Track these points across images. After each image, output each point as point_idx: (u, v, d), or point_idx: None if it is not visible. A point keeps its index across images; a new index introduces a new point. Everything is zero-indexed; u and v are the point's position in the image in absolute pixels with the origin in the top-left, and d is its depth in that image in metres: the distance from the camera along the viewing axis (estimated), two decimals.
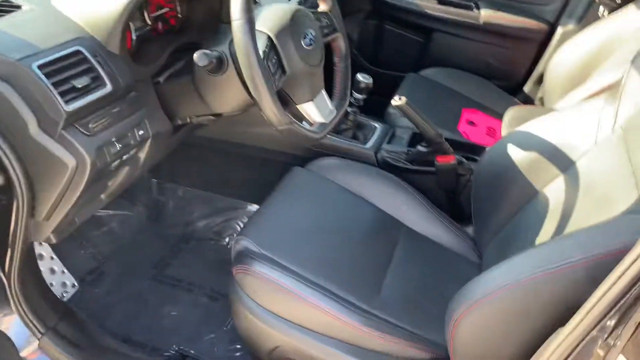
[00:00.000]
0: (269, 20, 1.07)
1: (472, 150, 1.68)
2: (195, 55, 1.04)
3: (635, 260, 0.67)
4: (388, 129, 1.75)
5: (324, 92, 1.21)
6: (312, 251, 1.29)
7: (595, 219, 0.99)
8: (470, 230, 1.53)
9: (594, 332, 0.75)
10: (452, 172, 1.51)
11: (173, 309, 1.51)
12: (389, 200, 1.51)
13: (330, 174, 1.53)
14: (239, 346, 1.43)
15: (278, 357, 1.21)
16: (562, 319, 0.87)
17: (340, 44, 1.29)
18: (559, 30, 2.17)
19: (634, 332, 0.71)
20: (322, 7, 1.26)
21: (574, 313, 0.86)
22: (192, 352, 1.42)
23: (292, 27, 1.09)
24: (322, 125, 1.18)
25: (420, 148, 1.55)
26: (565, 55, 2.01)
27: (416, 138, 1.70)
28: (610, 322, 0.74)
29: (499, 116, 2.05)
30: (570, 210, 1.12)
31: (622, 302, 0.71)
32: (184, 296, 1.55)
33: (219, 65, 1.09)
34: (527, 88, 2.33)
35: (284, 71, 1.08)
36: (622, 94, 1.19)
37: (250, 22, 0.96)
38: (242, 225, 1.78)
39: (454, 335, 1.00)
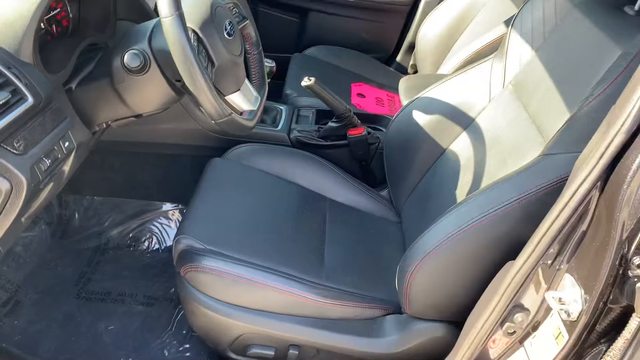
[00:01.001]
0: (191, 14, 1.05)
1: (373, 120, 1.79)
2: (126, 58, 1.00)
3: (573, 194, 0.80)
4: (292, 109, 1.80)
5: (247, 80, 1.22)
6: (252, 238, 1.31)
7: (512, 165, 1.15)
8: (385, 193, 1.65)
9: (542, 261, 0.88)
10: (363, 143, 1.61)
11: (109, 323, 1.44)
12: (309, 177, 1.57)
13: (250, 160, 1.55)
14: (188, 346, 1.41)
15: (241, 345, 1.22)
16: (508, 255, 1.01)
17: (251, 31, 1.31)
18: (422, 1, 2.36)
19: (575, 251, 0.86)
20: None
21: (518, 247, 1.00)
22: None
23: (214, 19, 1.09)
24: (252, 112, 1.20)
25: (331, 124, 1.62)
26: (431, 24, 2.21)
27: (321, 115, 1.78)
28: (554, 249, 0.88)
29: (382, 86, 2.21)
30: (482, 161, 1.28)
31: (564, 230, 0.85)
32: (117, 308, 1.48)
33: (142, 63, 1.06)
34: (399, 57, 2.51)
35: (213, 64, 1.07)
36: (506, 54, 1.36)
37: (181, 17, 0.95)
38: (159, 227, 1.73)
39: (410, 287, 1.10)
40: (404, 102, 1.77)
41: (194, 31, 1.05)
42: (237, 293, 1.19)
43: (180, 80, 1.03)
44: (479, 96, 1.40)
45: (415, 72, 2.41)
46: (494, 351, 1.02)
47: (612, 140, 0.75)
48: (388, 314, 1.24)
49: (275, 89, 1.96)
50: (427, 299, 1.12)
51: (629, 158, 0.73)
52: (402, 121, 1.54)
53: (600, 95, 0.94)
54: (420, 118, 1.49)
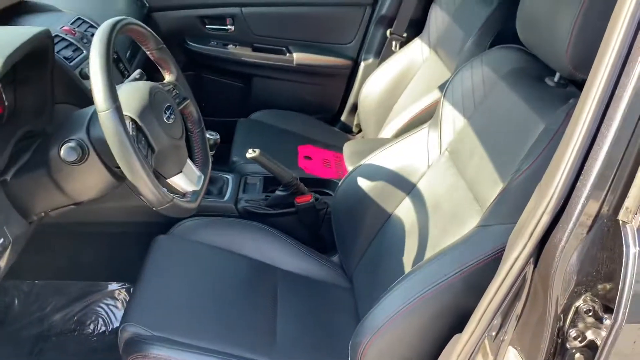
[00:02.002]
0: (129, 102, 1.06)
1: (321, 185, 1.82)
2: (63, 151, 0.99)
3: (509, 270, 0.83)
4: (239, 177, 1.80)
5: (189, 161, 1.22)
6: (201, 319, 1.28)
7: (452, 232, 1.18)
8: (335, 258, 1.66)
9: (486, 333, 0.90)
10: (311, 210, 1.62)
11: None
12: (258, 248, 1.56)
13: (196, 235, 1.54)
14: None
15: None
16: (455, 326, 1.02)
17: (192, 110, 1.32)
18: (362, 65, 2.45)
19: (516, 325, 0.88)
20: (169, 77, 1.28)
21: (464, 318, 1.02)
22: None
23: (152, 105, 1.09)
24: (195, 192, 1.20)
25: (279, 192, 1.63)
26: (371, 86, 2.29)
27: (268, 182, 1.79)
28: (497, 321, 0.90)
29: (328, 147, 2.25)
30: (425, 227, 1.31)
31: (504, 304, 0.87)
32: None
33: (80, 155, 1.04)
34: (343, 117, 2.57)
35: (153, 150, 1.07)
36: (441, 121, 1.42)
37: (118, 110, 0.95)
38: (105, 308, 1.66)
39: None
40: (349, 167, 1.81)
41: (132, 120, 1.05)
42: None
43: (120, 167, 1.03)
44: (418, 162, 1.44)
45: (360, 131, 2.48)
46: None
47: (540, 219, 0.79)
48: None
49: (222, 155, 1.97)
50: None
51: (556, 236, 0.77)
52: (347, 187, 1.57)
53: (527, 170, 0.99)
54: (365, 184, 1.52)
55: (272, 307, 1.39)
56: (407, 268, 1.29)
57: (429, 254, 1.23)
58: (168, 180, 1.15)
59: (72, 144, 1.02)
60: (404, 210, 1.43)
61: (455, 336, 0.99)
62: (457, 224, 1.18)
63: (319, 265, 1.60)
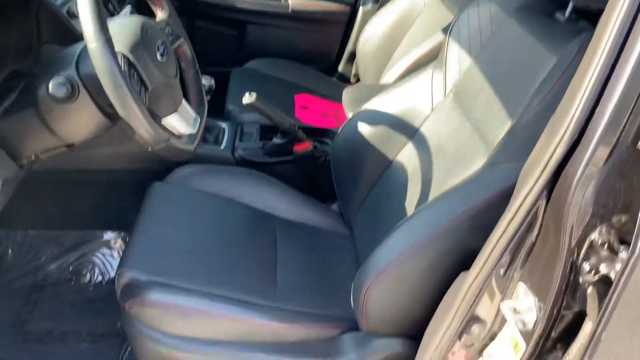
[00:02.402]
0: (119, 37, 1.00)
1: (319, 134, 1.77)
2: (52, 87, 0.94)
3: (520, 205, 0.80)
4: (235, 126, 1.76)
5: (184, 101, 1.18)
6: (199, 264, 1.26)
7: (457, 174, 1.15)
8: (334, 206, 1.63)
9: (495, 271, 0.88)
10: (310, 158, 1.58)
11: None
12: (257, 196, 1.53)
13: (193, 182, 1.50)
14: None
15: None
16: (460, 266, 1.00)
17: (186, 49, 1.26)
18: (360, 11, 2.37)
19: (526, 261, 0.86)
20: (161, 15, 1.21)
21: (470, 257, 1.00)
22: None
23: (145, 41, 1.03)
24: (192, 135, 1.16)
25: (276, 140, 1.59)
26: (370, 33, 2.22)
27: (265, 130, 1.74)
28: (506, 259, 0.88)
29: (325, 96, 2.19)
30: (428, 171, 1.27)
31: (514, 241, 0.85)
32: (60, 349, 1.39)
33: (70, 92, 0.99)
34: (341, 67, 2.51)
35: (146, 88, 1.02)
36: (446, 63, 1.37)
37: (109, 42, 0.90)
38: (101, 258, 1.64)
39: (366, 304, 1.08)
40: (348, 114, 1.76)
41: (124, 56, 0.99)
42: (186, 325, 1.13)
43: (112, 105, 0.98)
44: (421, 105, 1.40)
45: (358, 81, 2.41)
46: None
47: (554, 152, 0.76)
48: (345, 332, 1.21)
49: (217, 105, 1.91)
50: (383, 315, 1.10)
51: (572, 168, 0.74)
52: (347, 134, 1.53)
53: (539, 105, 0.95)
54: (366, 130, 1.48)
55: (272, 254, 1.37)
56: (410, 212, 1.26)
57: (432, 196, 1.20)
58: (163, 121, 1.11)
59: (60, 79, 0.97)
60: (406, 156, 1.39)
61: (462, 274, 0.97)
62: (462, 165, 1.15)
63: (318, 213, 1.57)
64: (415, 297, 1.06)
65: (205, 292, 1.18)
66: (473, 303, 0.92)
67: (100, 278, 1.61)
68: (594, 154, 0.73)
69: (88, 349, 1.40)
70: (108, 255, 1.65)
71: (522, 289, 0.88)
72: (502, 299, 0.91)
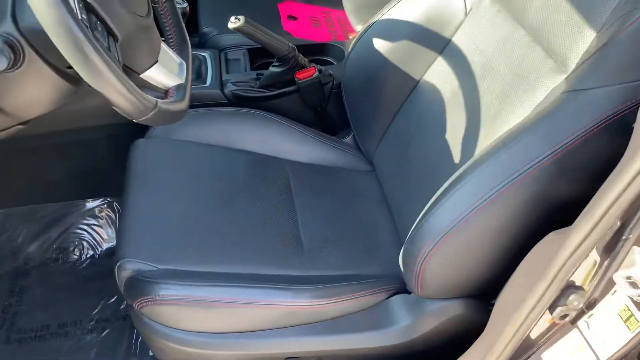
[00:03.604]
0: None
1: (319, 52, 1.51)
2: None
3: None
4: (217, 53, 1.47)
5: (164, 44, 0.90)
6: (209, 236, 1.06)
7: (519, 99, 0.93)
8: (349, 139, 1.41)
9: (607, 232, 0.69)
10: (316, 86, 1.33)
11: None
12: (259, 139, 1.30)
13: (182, 133, 1.25)
14: None
15: None
16: (542, 218, 0.82)
17: None
18: None
19: None
20: None
21: (553, 208, 0.82)
22: None
23: None
24: (179, 87, 0.90)
25: (273, 69, 1.32)
26: None
27: (254, 55, 1.47)
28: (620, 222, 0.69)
29: (311, 1, 1.88)
30: (472, 94, 1.04)
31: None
32: (61, 345, 1.21)
33: (11, 56, 0.72)
34: None
35: (115, 38, 0.75)
36: None
37: None
38: (87, 229, 1.42)
39: (423, 272, 0.90)
40: (355, 25, 1.48)
41: None
42: (212, 319, 0.95)
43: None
44: (451, 9, 1.14)
45: None
46: (534, 331, 0.86)
47: None
48: (392, 295, 1.05)
49: (188, 28, 1.60)
50: (444, 281, 0.93)
51: None
52: (360, 52, 1.27)
53: None
54: (382, 45, 1.22)
55: (289, 207, 1.17)
56: (455, 145, 1.05)
57: (485, 127, 0.98)
58: (142, 76, 0.85)
59: None
60: (438, 75, 1.16)
61: (553, 235, 0.78)
62: (525, 88, 0.92)
63: (332, 150, 1.35)
64: (484, 260, 0.88)
65: (226, 274, 0.99)
66: (573, 272, 0.74)
67: (91, 252, 1.40)
68: None
69: (94, 340, 1.22)
70: (95, 226, 1.42)
71: (638, 252, 0.70)
72: (610, 265, 0.74)
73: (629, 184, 0.63)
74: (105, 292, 1.31)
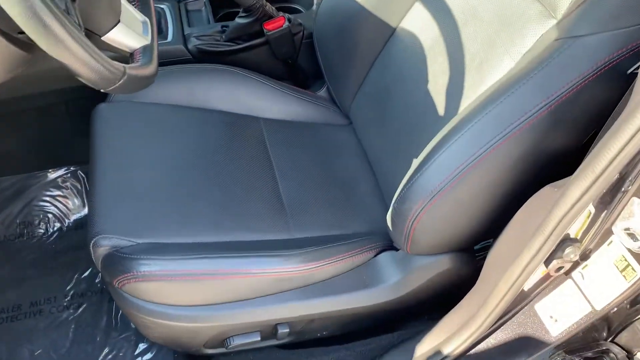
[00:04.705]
0: None
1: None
2: None
3: None
4: (175, 5, 1.37)
5: (124, 1, 0.81)
6: (189, 205, 1.01)
7: (504, 47, 0.89)
8: (323, 92, 1.35)
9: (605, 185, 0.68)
10: (286, 37, 1.26)
11: (33, 347, 1.12)
12: (229, 97, 1.23)
13: (147, 95, 1.17)
14: (146, 345, 1.14)
15: (218, 340, 0.98)
16: (536, 171, 0.80)
17: None
18: None
19: None
20: None
21: (548, 160, 0.80)
22: None
23: None
24: (146, 49, 0.82)
25: (240, 21, 1.24)
26: None
27: (216, 4, 1.37)
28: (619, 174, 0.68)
29: None
30: (454, 41, 1.00)
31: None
32: (37, 323, 1.16)
33: None
34: None
35: None
36: None
37: None
38: (52, 201, 1.33)
39: (414, 231, 0.88)
40: None
41: None
42: (198, 292, 0.91)
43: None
44: None
45: None
46: (527, 283, 0.86)
47: None
48: (379, 253, 1.03)
49: None
50: (435, 239, 0.91)
51: None
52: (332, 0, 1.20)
53: None
54: None
55: (267, 168, 1.13)
56: (435, 95, 1.01)
57: (470, 77, 0.95)
58: (104, 39, 0.76)
59: None
60: (416, 21, 1.10)
61: (548, 188, 0.77)
62: (512, 35, 0.88)
63: (306, 104, 1.30)
64: (475, 215, 0.86)
65: (210, 243, 0.95)
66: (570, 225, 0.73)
67: (58, 225, 1.32)
68: None
69: (71, 316, 1.17)
70: (60, 197, 1.34)
71: (637, 204, 0.70)
72: (607, 216, 0.73)
73: (632, 137, 0.61)
74: (78, 266, 1.25)
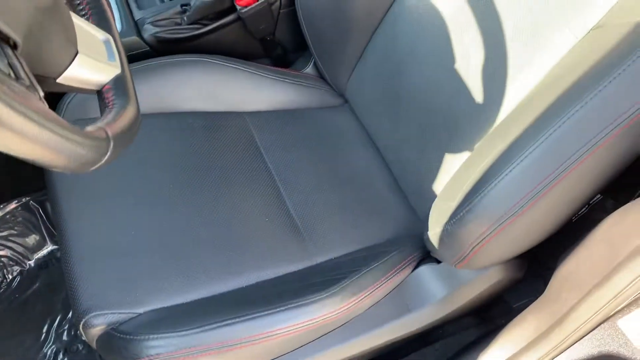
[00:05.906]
0: None
1: None
2: None
3: None
4: None
5: (76, 19, 0.59)
6: (189, 249, 0.84)
7: (560, 12, 0.72)
8: (310, 69, 1.15)
9: None
10: (264, 12, 1.04)
11: None
12: (204, 94, 1.03)
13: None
14: None
15: None
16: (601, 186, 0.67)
17: None
18: None
19: None
20: None
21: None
22: None
23: None
24: (118, 81, 0.60)
25: None
26: None
27: None
28: None
29: None
30: (490, 9, 0.82)
31: None
32: None
33: None
34: None
35: (13, 45, 0.44)
36: None
37: None
38: (5, 243, 1.10)
39: (475, 254, 0.74)
40: None
41: None
42: None
43: None
44: None
45: None
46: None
47: None
48: (416, 266, 0.89)
49: None
50: (498, 259, 0.78)
51: None
52: None
53: None
54: None
55: (267, 182, 0.96)
56: (465, 74, 0.85)
57: (513, 52, 0.78)
58: (60, 80, 0.55)
59: None
60: None
61: (633, 204, 0.64)
62: (565, 7, 0.71)
63: (294, 88, 1.11)
64: (547, 230, 0.73)
65: (224, 295, 0.79)
66: None
67: (17, 269, 1.10)
68: None
69: None
70: (15, 236, 1.10)
71: None
72: None
73: None
74: (53, 313, 1.05)
